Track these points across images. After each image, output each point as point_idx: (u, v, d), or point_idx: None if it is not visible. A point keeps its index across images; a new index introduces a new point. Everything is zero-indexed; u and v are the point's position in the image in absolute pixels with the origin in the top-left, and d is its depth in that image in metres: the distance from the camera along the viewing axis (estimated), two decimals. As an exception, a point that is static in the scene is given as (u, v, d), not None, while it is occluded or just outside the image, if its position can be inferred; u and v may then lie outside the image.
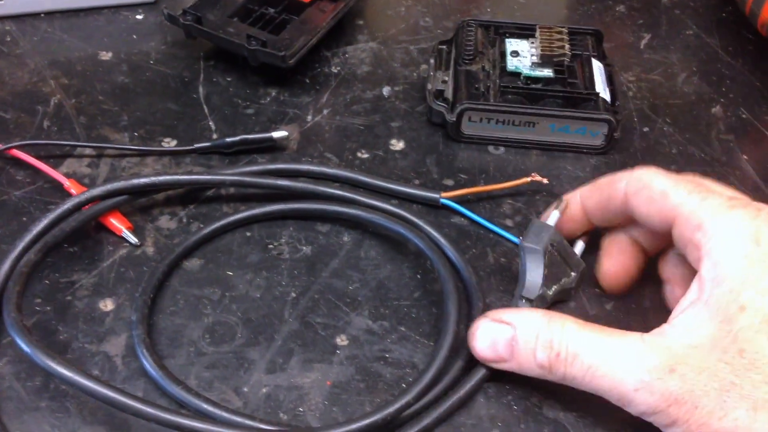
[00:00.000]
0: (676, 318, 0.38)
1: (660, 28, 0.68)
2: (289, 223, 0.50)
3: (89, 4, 0.66)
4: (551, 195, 0.53)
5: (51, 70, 0.60)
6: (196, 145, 0.54)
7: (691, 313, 0.37)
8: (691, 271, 0.40)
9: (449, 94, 0.57)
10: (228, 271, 0.48)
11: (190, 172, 0.52)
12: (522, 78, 0.56)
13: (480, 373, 0.42)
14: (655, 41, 0.67)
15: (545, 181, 0.52)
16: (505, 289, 0.47)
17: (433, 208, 0.51)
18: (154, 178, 0.49)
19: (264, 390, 0.42)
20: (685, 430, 0.36)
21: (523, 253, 0.44)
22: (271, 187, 0.51)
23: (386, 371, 0.43)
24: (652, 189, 0.42)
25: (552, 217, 0.46)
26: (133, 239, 0.48)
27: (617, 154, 0.56)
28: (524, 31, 0.60)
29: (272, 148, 0.55)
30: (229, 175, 0.51)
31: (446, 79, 0.58)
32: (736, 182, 0.54)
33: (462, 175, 0.54)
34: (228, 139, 0.54)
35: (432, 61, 0.60)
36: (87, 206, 0.48)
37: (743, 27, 0.68)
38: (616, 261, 0.46)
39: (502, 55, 0.58)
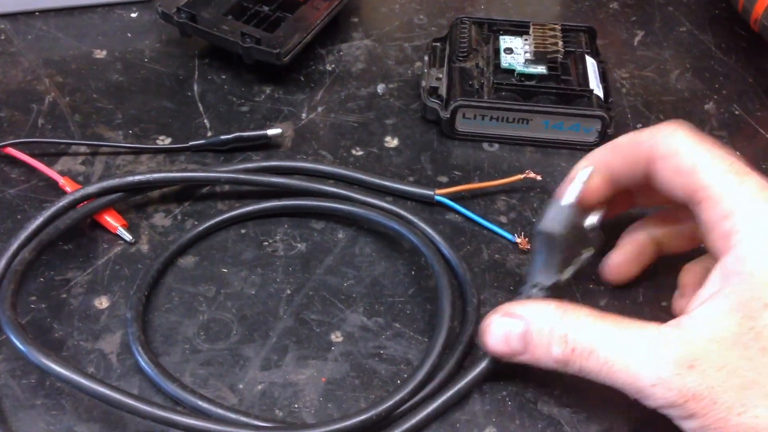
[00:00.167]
0: (696, 309, 0.36)
1: (653, 25, 0.69)
2: (284, 220, 0.50)
3: (84, 2, 0.66)
4: (545, 192, 0.53)
5: (45, 69, 0.60)
6: (191, 143, 0.54)
7: (711, 306, 0.36)
8: None
9: (443, 91, 0.57)
10: (223, 268, 0.48)
11: (185, 170, 0.52)
12: (516, 75, 0.56)
13: (476, 370, 0.42)
14: (648, 38, 0.67)
15: (539, 177, 0.52)
16: (500, 285, 0.47)
17: (427, 205, 0.52)
18: (149, 176, 0.49)
19: (259, 387, 0.42)
20: (702, 424, 0.35)
21: (541, 238, 0.42)
22: (266, 185, 0.51)
23: (381, 368, 0.43)
24: (681, 160, 0.39)
25: (572, 192, 0.42)
26: (127, 237, 0.48)
27: (611, 150, 0.56)
28: (518, 28, 0.60)
29: (267, 146, 0.55)
30: (224, 172, 0.51)
31: (440, 76, 0.58)
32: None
33: (456, 172, 0.54)
34: (222, 137, 0.54)
35: (426, 58, 0.60)
36: (81, 204, 0.48)
37: (736, 24, 0.68)
38: (627, 256, 0.45)
39: (496, 52, 0.58)
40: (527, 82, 0.56)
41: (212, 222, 0.49)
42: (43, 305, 0.45)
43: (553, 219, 0.41)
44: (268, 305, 0.46)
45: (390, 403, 0.40)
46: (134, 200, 0.51)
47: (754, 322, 0.34)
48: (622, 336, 0.36)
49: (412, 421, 0.40)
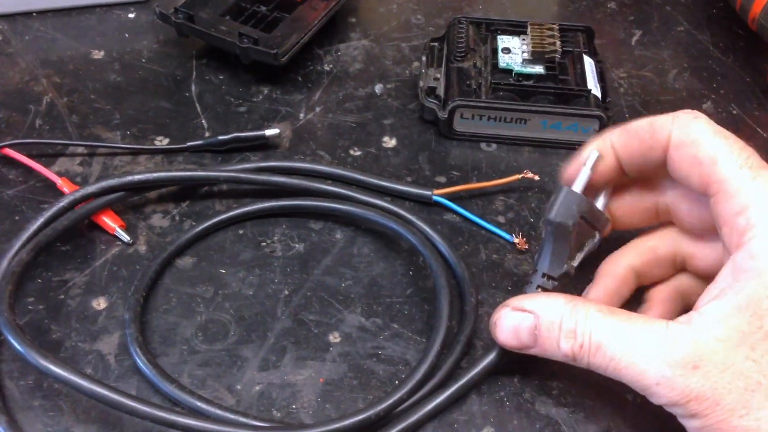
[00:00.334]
0: (705, 306, 0.36)
1: (651, 25, 0.69)
2: (282, 221, 0.50)
3: (81, 3, 0.66)
4: (543, 192, 0.53)
5: (43, 69, 0.60)
6: (189, 144, 0.54)
7: (721, 303, 0.35)
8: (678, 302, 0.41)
9: (441, 91, 0.57)
10: (221, 269, 0.48)
11: (183, 169, 0.52)
12: (513, 75, 0.56)
13: (478, 367, 0.42)
14: (646, 38, 0.67)
15: (537, 177, 0.52)
16: (498, 285, 0.47)
17: (425, 205, 0.52)
18: (148, 175, 0.49)
19: (257, 388, 0.42)
20: (704, 424, 0.35)
21: (550, 228, 0.40)
22: (265, 184, 0.51)
23: (379, 368, 0.43)
24: (700, 151, 0.38)
25: (581, 178, 0.41)
26: (125, 237, 0.48)
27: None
28: (515, 28, 0.60)
29: (265, 146, 0.55)
30: (223, 171, 0.51)
31: (438, 76, 0.58)
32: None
33: (454, 173, 0.54)
34: (220, 137, 0.54)
35: (424, 58, 0.60)
36: (80, 204, 0.48)
37: (734, 23, 0.68)
38: (607, 291, 0.44)
39: (494, 52, 0.58)
40: (525, 82, 0.56)
41: (210, 222, 0.49)
42: (41, 306, 0.45)
43: (564, 208, 0.40)
44: (266, 306, 0.46)
45: (389, 402, 0.40)
46: (132, 201, 0.51)
47: (762, 322, 0.34)
48: (630, 332, 0.36)
49: (411, 420, 0.40)
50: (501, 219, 0.51)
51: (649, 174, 0.42)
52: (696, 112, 0.39)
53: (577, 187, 0.40)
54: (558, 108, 0.54)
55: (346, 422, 0.39)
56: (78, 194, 0.48)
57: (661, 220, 0.44)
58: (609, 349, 0.36)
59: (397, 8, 0.69)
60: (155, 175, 0.49)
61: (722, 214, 0.37)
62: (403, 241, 0.50)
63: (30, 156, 0.52)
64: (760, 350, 0.34)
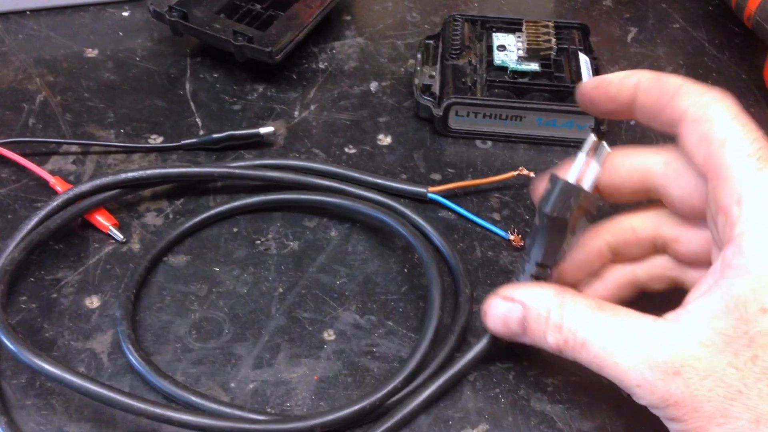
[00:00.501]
0: (694, 303, 0.35)
1: (646, 22, 0.69)
2: (276, 219, 0.50)
3: (75, 1, 0.65)
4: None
5: (36, 68, 0.60)
6: (183, 142, 0.54)
7: (708, 301, 0.34)
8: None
9: (436, 88, 0.57)
10: (215, 267, 0.47)
11: (178, 165, 0.51)
12: (509, 72, 0.56)
13: (468, 356, 0.42)
14: (641, 35, 0.67)
15: (532, 174, 0.52)
16: (493, 282, 0.47)
17: (420, 202, 0.51)
18: (141, 172, 0.49)
19: (251, 385, 0.42)
20: (683, 428, 0.34)
21: (546, 221, 0.39)
22: (260, 179, 0.51)
23: (374, 365, 0.43)
24: (713, 130, 0.36)
25: (590, 174, 0.39)
26: (119, 236, 0.48)
27: (604, 147, 0.56)
28: (511, 26, 0.60)
29: (259, 144, 0.55)
30: (217, 168, 0.51)
31: (433, 73, 0.58)
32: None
33: (449, 170, 0.54)
34: (215, 136, 0.54)
35: (419, 56, 0.60)
36: (73, 203, 0.48)
37: (730, 20, 0.68)
38: (575, 261, 0.42)
39: (489, 49, 0.58)
40: (520, 79, 0.56)
41: (201, 217, 0.49)
42: (34, 305, 0.45)
43: (561, 202, 0.38)
44: (260, 304, 0.46)
45: (383, 392, 0.40)
46: (125, 199, 0.50)
47: (748, 327, 0.33)
48: (616, 330, 0.36)
49: (405, 411, 0.40)
50: (496, 216, 0.51)
51: (653, 126, 0.40)
52: (725, 94, 0.37)
53: (568, 174, 0.39)
54: (553, 105, 0.54)
55: (342, 413, 0.39)
56: (71, 193, 0.48)
57: (650, 198, 0.42)
58: (594, 346, 0.36)
59: (392, 6, 0.69)
60: (149, 172, 0.49)
61: (719, 201, 0.36)
62: (397, 239, 0.49)
63: (23, 154, 0.52)
64: (743, 357, 0.33)
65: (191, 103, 0.58)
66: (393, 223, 0.48)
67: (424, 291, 0.46)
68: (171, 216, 0.50)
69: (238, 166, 0.51)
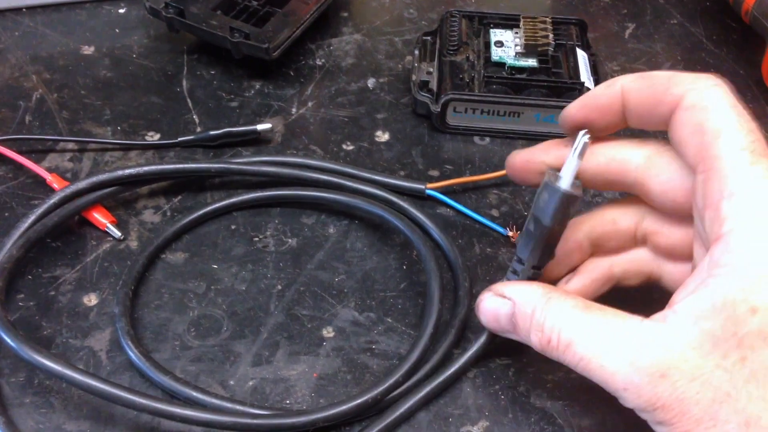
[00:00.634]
0: (680, 303, 0.34)
1: (644, 18, 0.68)
2: (275, 216, 0.50)
3: (71, -1, 0.65)
4: (537, 185, 0.52)
5: (33, 65, 0.60)
6: (180, 139, 0.54)
7: (695, 301, 0.33)
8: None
9: (434, 85, 0.56)
10: (213, 264, 0.47)
11: (175, 162, 0.51)
12: (506, 68, 0.56)
13: (468, 353, 0.42)
14: (639, 30, 0.67)
15: (531, 171, 0.52)
16: (492, 279, 0.47)
17: (419, 199, 0.51)
18: (138, 169, 0.49)
19: (250, 383, 0.42)
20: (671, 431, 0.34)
21: (544, 230, 0.38)
22: (257, 174, 0.51)
23: (373, 362, 0.43)
24: (708, 119, 0.35)
25: (570, 170, 0.37)
26: (116, 233, 0.48)
27: (602, 143, 0.56)
28: (508, 22, 0.60)
29: (257, 141, 0.55)
30: (214, 163, 0.51)
31: (431, 70, 0.58)
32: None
33: (447, 166, 0.54)
34: (212, 132, 0.54)
35: (416, 52, 0.59)
36: (71, 200, 0.48)
37: (727, 15, 0.68)
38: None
39: (487, 45, 0.58)
40: (518, 75, 0.56)
41: (198, 213, 0.49)
42: (31, 303, 0.45)
43: (561, 213, 0.37)
44: (258, 301, 0.46)
45: (384, 386, 0.40)
46: (123, 197, 0.50)
47: (737, 328, 0.32)
48: (602, 331, 0.35)
49: (405, 406, 0.40)
50: (495, 212, 0.51)
51: (648, 128, 0.39)
52: (719, 79, 0.36)
53: (566, 182, 0.37)
54: (551, 101, 0.54)
55: (343, 407, 0.39)
56: (69, 190, 0.47)
57: (626, 191, 0.42)
58: (579, 348, 0.35)
59: (390, 2, 0.69)
60: (145, 168, 0.49)
61: (708, 196, 0.34)
62: (396, 235, 0.49)
63: (20, 152, 0.51)
64: (731, 358, 0.32)
65: (188, 100, 0.58)
66: (390, 217, 0.48)
67: (423, 288, 0.46)
68: (168, 213, 0.50)
69: (236, 162, 0.51)
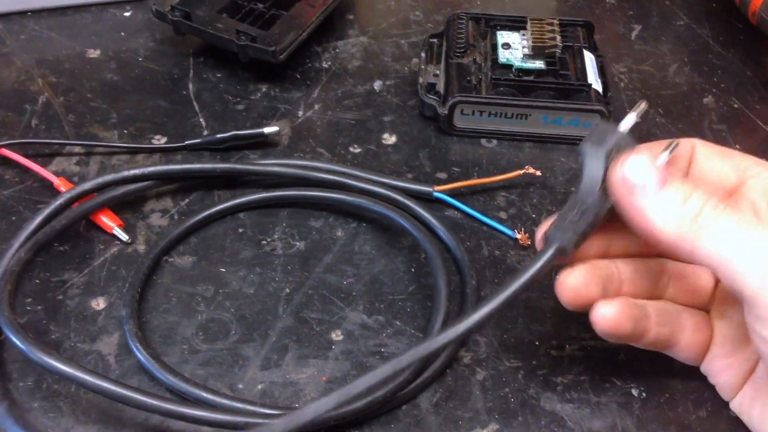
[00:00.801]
0: None
1: (650, 19, 0.68)
2: (282, 219, 0.50)
3: (76, 2, 0.65)
4: (545, 187, 0.52)
5: (39, 69, 0.60)
6: (187, 142, 0.54)
7: None
8: None
9: (441, 87, 0.56)
10: (221, 267, 0.47)
11: (183, 162, 0.51)
12: (514, 70, 0.56)
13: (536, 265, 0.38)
14: (645, 32, 0.67)
15: (539, 173, 0.52)
16: (500, 281, 0.47)
17: (426, 201, 0.51)
18: (144, 169, 0.49)
19: (259, 386, 0.41)
20: None
21: (582, 159, 0.37)
22: (265, 174, 0.51)
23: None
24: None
25: (626, 121, 0.37)
26: (124, 236, 0.48)
27: (610, 145, 0.56)
28: (515, 23, 0.60)
29: (263, 144, 0.55)
30: (220, 164, 0.51)
31: (438, 72, 0.58)
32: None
33: (455, 169, 0.54)
34: (219, 136, 0.54)
35: (423, 54, 0.59)
36: (78, 201, 0.48)
37: (734, 17, 0.68)
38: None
39: (494, 47, 0.58)
40: (525, 78, 0.55)
41: (205, 214, 0.49)
42: (39, 307, 0.44)
43: (595, 138, 0.37)
44: (267, 304, 0.45)
45: (393, 384, 0.40)
46: (130, 201, 0.50)
47: None
48: (746, 238, 0.34)
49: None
50: (503, 215, 0.51)
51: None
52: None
53: (626, 126, 0.37)
54: (559, 103, 0.54)
55: (353, 405, 0.39)
56: (75, 191, 0.47)
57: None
58: (715, 246, 0.34)
59: (395, 5, 0.69)
60: (154, 168, 0.49)
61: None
62: (404, 238, 0.49)
63: (26, 156, 0.51)
64: None
65: (194, 104, 0.58)
66: (396, 217, 0.48)
67: (431, 291, 0.46)
68: (176, 217, 0.50)
69: (245, 162, 0.51)
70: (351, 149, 0.55)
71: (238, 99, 0.58)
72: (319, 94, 0.59)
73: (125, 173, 0.48)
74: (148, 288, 0.46)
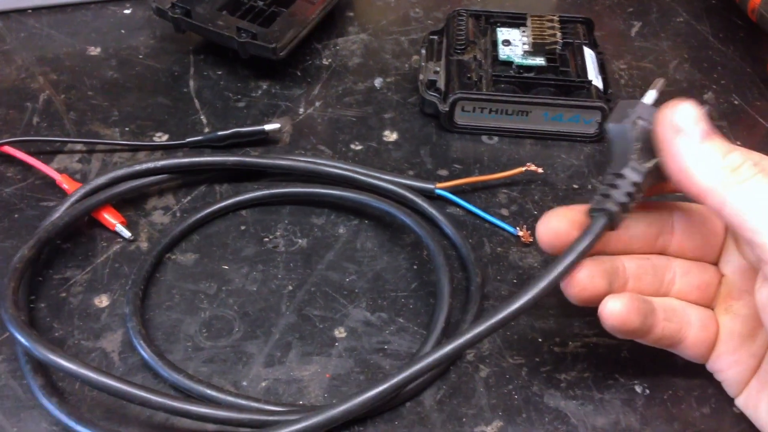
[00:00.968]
0: None
1: (650, 16, 0.68)
2: (285, 216, 0.50)
3: (76, -1, 0.65)
4: (546, 184, 0.52)
5: (39, 66, 0.59)
6: (188, 140, 0.54)
7: None
8: None
9: (441, 84, 0.56)
10: (223, 265, 0.47)
11: (191, 156, 0.52)
12: (514, 67, 0.56)
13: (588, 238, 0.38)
14: (645, 29, 0.67)
15: (540, 170, 0.52)
16: (503, 278, 0.47)
17: (428, 198, 0.51)
18: (156, 163, 0.50)
19: (263, 384, 0.42)
20: None
21: (609, 135, 0.38)
22: (272, 167, 0.51)
23: (385, 362, 0.43)
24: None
25: (647, 96, 0.38)
26: (126, 234, 0.48)
27: (611, 142, 0.56)
28: (515, 20, 0.60)
29: (265, 141, 0.55)
30: (230, 156, 0.51)
31: (438, 69, 0.58)
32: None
33: (456, 166, 0.54)
34: (220, 133, 0.54)
35: (423, 51, 0.59)
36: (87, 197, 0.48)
37: (733, 13, 0.68)
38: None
39: (494, 44, 0.58)
40: (526, 74, 0.56)
41: (206, 212, 0.49)
42: (42, 305, 0.44)
43: (619, 112, 0.38)
44: (270, 301, 0.45)
45: (398, 378, 0.39)
46: (132, 198, 0.50)
47: None
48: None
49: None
50: (504, 212, 0.51)
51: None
52: None
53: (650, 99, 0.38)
54: (559, 99, 0.54)
55: (356, 402, 0.38)
56: (89, 186, 0.48)
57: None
58: (753, 201, 0.34)
59: (395, 2, 0.69)
60: (162, 162, 0.50)
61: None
62: (406, 235, 0.49)
63: (28, 153, 0.51)
64: None
65: (195, 101, 0.58)
66: (399, 213, 0.48)
67: (434, 287, 0.46)
68: (178, 214, 0.50)
69: (251, 155, 0.52)
70: (352, 146, 0.55)
71: (239, 96, 0.58)
72: (320, 91, 0.59)
73: (137, 167, 0.49)
74: (151, 285, 0.46)
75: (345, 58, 0.62)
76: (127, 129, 0.55)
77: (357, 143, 0.55)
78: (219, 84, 0.59)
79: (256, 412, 0.39)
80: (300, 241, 0.49)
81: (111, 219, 0.48)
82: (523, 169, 0.51)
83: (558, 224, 0.39)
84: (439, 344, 0.40)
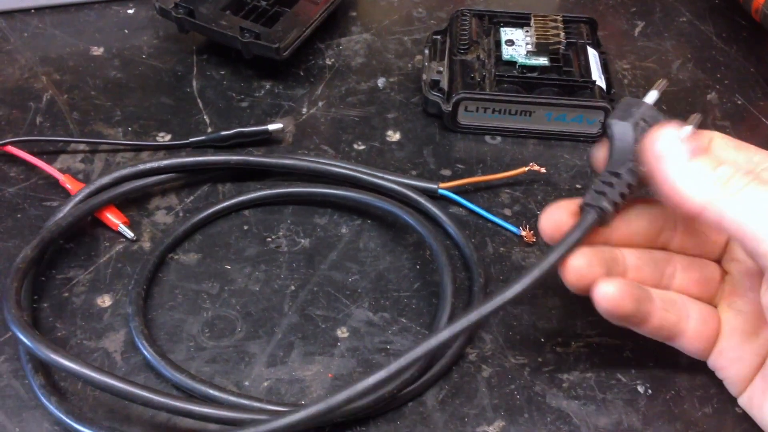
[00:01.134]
0: None
1: (653, 16, 0.68)
2: (287, 216, 0.50)
3: (79, -1, 0.65)
4: (549, 184, 0.52)
5: (42, 66, 0.60)
6: (191, 139, 0.54)
7: None
8: None
9: (445, 84, 0.56)
10: (226, 265, 0.47)
11: (194, 156, 0.52)
12: (517, 67, 0.56)
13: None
14: (648, 29, 0.67)
15: (543, 170, 0.51)
16: (506, 278, 0.47)
17: (431, 198, 0.51)
18: (159, 162, 0.50)
19: (265, 383, 0.42)
20: None
21: (611, 131, 0.39)
22: (276, 167, 0.51)
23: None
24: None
25: (649, 96, 0.39)
26: (129, 234, 0.48)
27: (614, 141, 0.56)
28: (519, 20, 0.60)
29: (268, 141, 0.55)
30: (233, 155, 0.51)
31: (441, 69, 0.58)
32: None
33: (459, 166, 0.54)
34: (223, 133, 0.54)
35: (426, 51, 0.59)
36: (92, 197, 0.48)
37: (737, 13, 0.68)
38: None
39: (497, 44, 0.58)
40: (529, 74, 0.55)
41: (208, 212, 0.49)
42: (45, 304, 0.44)
43: (621, 110, 0.39)
44: (272, 301, 0.45)
45: (399, 381, 0.40)
46: (135, 198, 0.50)
47: None
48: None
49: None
50: (507, 212, 0.51)
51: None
52: None
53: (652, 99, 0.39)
54: (563, 100, 0.54)
55: (358, 402, 0.39)
56: (94, 185, 0.48)
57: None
58: (735, 214, 0.34)
59: (398, 2, 0.69)
60: (166, 162, 0.50)
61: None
62: (409, 235, 0.49)
63: (31, 153, 0.51)
64: None
65: (198, 101, 0.58)
66: (401, 213, 0.48)
67: (437, 287, 0.46)
68: (181, 214, 0.50)
69: (254, 155, 0.52)
70: (355, 146, 0.55)
71: (242, 96, 0.58)
72: (323, 91, 0.59)
73: (140, 167, 0.49)
74: (153, 285, 0.46)
75: (348, 58, 0.62)
76: (130, 129, 0.55)
77: (360, 143, 0.55)
78: (222, 84, 0.59)
79: (259, 412, 0.39)
80: (303, 240, 0.49)
81: (114, 219, 0.48)
82: (526, 169, 0.51)
83: (560, 216, 0.40)
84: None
